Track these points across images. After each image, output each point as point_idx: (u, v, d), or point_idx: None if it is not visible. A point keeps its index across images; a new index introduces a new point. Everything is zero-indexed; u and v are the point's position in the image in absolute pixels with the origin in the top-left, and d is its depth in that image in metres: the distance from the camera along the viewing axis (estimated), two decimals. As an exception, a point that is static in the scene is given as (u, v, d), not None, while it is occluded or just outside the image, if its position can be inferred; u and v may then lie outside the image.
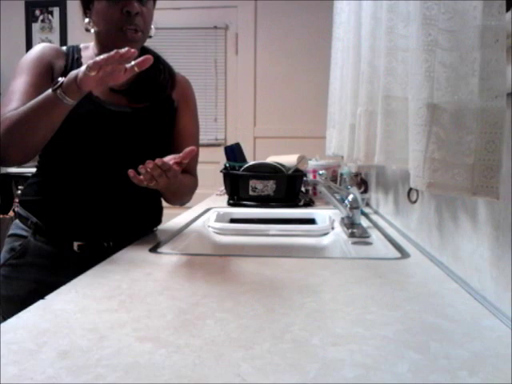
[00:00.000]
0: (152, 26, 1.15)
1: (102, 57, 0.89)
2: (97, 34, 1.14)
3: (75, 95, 0.94)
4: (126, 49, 0.88)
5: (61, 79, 0.94)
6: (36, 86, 1.06)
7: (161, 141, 1.19)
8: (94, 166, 1.11)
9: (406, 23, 0.90)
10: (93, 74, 0.89)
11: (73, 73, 0.93)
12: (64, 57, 1.14)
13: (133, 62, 0.91)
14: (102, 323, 0.62)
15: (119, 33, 1.07)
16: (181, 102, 1.24)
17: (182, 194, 1.22)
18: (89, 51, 1.18)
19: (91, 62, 0.90)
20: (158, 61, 1.22)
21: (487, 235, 0.73)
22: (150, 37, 1.17)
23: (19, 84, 1.07)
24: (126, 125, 1.12)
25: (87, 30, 1.13)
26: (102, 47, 1.15)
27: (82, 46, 1.20)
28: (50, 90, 0.95)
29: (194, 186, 1.27)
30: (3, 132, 0.98)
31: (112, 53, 0.88)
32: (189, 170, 1.24)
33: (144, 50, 1.21)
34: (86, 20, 1.12)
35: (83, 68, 0.91)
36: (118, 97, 1.14)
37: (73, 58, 1.15)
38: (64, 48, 1.17)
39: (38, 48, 1.14)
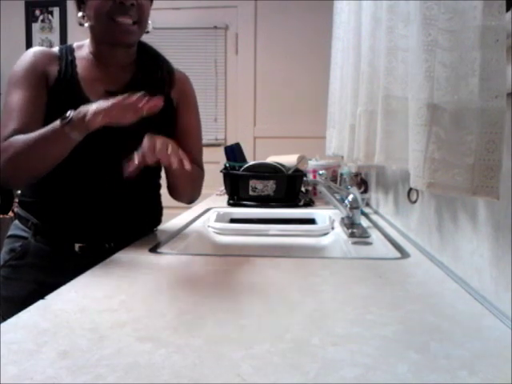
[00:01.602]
0: (149, 22, 1.13)
1: (104, 106, 0.89)
2: (91, 28, 1.11)
3: (83, 132, 0.93)
4: (133, 99, 0.88)
5: (69, 113, 0.93)
6: (33, 101, 1.05)
7: None
8: (93, 168, 1.11)
9: (406, 23, 0.90)
10: (99, 119, 0.89)
11: (82, 110, 0.92)
12: (57, 61, 1.11)
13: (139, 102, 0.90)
14: (101, 323, 0.62)
15: (113, 24, 1.05)
16: (180, 100, 1.22)
17: (190, 182, 1.21)
18: (83, 50, 1.15)
19: (95, 107, 0.89)
20: (157, 58, 1.20)
21: (487, 235, 0.73)
22: (148, 32, 1.15)
23: (15, 100, 1.05)
24: (125, 129, 1.11)
25: (81, 25, 1.11)
26: (97, 42, 1.13)
27: (75, 45, 1.17)
28: (57, 124, 0.93)
29: (200, 175, 1.26)
30: (5, 160, 0.98)
31: (116, 102, 0.88)
32: (194, 163, 1.24)
33: (142, 46, 1.19)
34: (80, 14, 1.10)
35: (93, 108, 0.90)
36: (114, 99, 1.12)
37: (66, 61, 1.11)
38: (56, 50, 1.14)
39: (29, 56, 1.10)
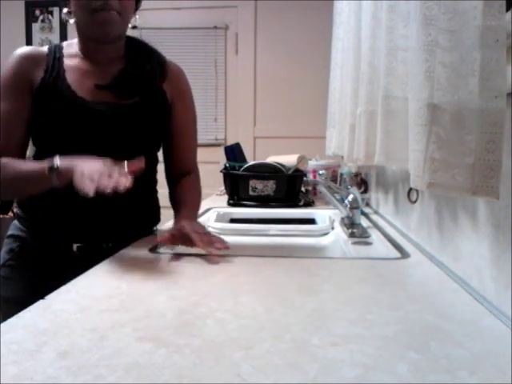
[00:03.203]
0: (136, 16, 1.11)
1: (92, 172, 0.87)
2: (76, 24, 1.09)
3: (65, 182, 0.93)
4: (108, 187, 0.86)
5: (57, 162, 0.94)
6: (18, 113, 1.06)
7: (155, 135, 1.17)
8: None
9: (406, 23, 0.90)
10: (85, 184, 0.87)
11: (70, 165, 0.91)
12: (45, 59, 1.10)
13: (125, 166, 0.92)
14: (102, 323, 0.62)
15: (92, 16, 1.03)
16: (174, 94, 1.19)
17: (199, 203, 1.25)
18: (72, 48, 1.14)
19: (86, 172, 0.87)
20: (146, 50, 1.18)
21: (487, 235, 0.73)
22: (135, 27, 1.14)
23: (2, 110, 1.06)
24: (117, 124, 1.10)
25: (66, 21, 1.10)
26: (83, 38, 1.11)
27: (65, 43, 1.16)
28: (44, 168, 0.94)
29: (199, 187, 1.26)
30: None
31: (104, 170, 0.87)
32: (187, 164, 1.24)
33: (130, 40, 1.17)
34: (65, 10, 1.09)
35: (82, 171, 0.88)
36: (104, 94, 1.10)
37: (54, 59, 1.10)
38: (45, 48, 1.12)
39: (15, 61, 1.08)
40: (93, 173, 0.86)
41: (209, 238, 0.99)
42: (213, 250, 0.97)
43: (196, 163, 1.29)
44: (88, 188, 0.84)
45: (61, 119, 1.06)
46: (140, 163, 0.93)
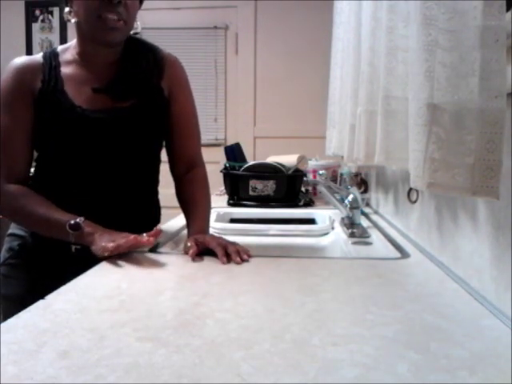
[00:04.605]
0: (138, 22, 1.11)
1: (117, 248, 0.95)
2: (77, 24, 1.08)
3: (79, 243, 1.02)
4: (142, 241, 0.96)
5: (80, 222, 1.00)
6: (23, 125, 1.07)
7: (155, 135, 1.17)
8: (90, 170, 1.10)
9: (406, 23, 0.90)
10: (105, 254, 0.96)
11: (96, 236, 0.99)
12: (41, 69, 1.09)
13: (144, 235, 0.96)
14: (102, 323, 0.62)
15: (99, 21, 1.02)
16: (172, 86, 1.18)
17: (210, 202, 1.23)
18: (68, 54, 1.13)
19: (110, 248, 0.95)
20: (144, 49, 1.17)
21: (487, 235, 0.73)
22: (137, 33, 1.14)
23: (7, 126, 1.06)
24: (115, 129, 1.10)
25: (68, 21, 1.08)
26: (83, 39, 1.10)
27: (59, 49, 1.15)
28: (66, 225, 1.00)
29: (207, 183, 1.24)
30: (5, 208, 1.08)
31: (127, 245, 0.96)
32: (192, 153, 1.23)
33: (129, 40, 1.16)
34: (66, 9, 1.07)
35: (100, 247, 0.96)
36: (102, 99, 1.10)
37: (50, 68, 1.09)
38: (40, 57, 1.11)
39: (14, 73, 1.08)
40: (117, 248, 0.95)
41: (234, 248, 0.99)
42: (238, 260, 0.96)
43: (201, 154, 1.26)
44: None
45: (61, 129, 1.07)
46: (158, 233, 0.99)
